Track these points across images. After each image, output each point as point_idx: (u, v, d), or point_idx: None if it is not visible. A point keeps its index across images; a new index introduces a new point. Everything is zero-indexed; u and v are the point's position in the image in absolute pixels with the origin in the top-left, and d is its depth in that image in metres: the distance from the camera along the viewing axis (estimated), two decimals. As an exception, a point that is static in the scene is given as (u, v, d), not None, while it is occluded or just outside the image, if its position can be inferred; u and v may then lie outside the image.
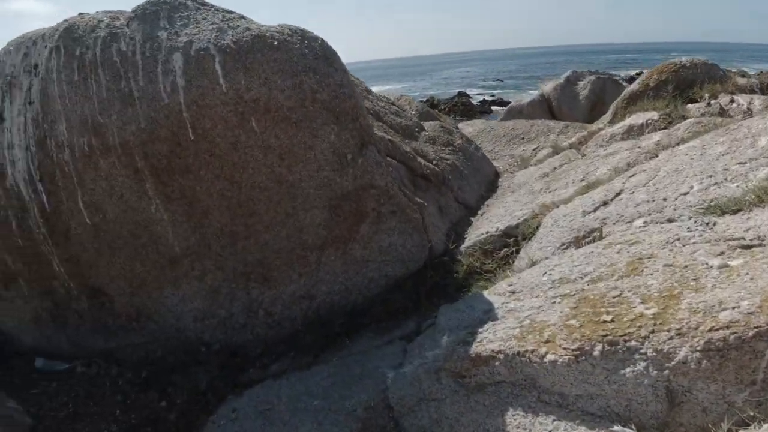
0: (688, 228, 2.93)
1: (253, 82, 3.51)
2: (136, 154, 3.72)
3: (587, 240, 3.47)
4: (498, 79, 70.94)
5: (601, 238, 3.39)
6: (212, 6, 3.99)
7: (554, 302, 2.93)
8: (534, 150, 6.54)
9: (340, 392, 3.58)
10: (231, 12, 3.99)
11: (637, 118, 5.12)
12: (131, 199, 3.89)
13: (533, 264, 3.75)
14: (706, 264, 2.61)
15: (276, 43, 3.58)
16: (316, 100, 3.56)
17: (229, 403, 4.03)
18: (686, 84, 5.49)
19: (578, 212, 3.78)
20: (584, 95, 9.38)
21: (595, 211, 3.70)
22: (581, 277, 3.00)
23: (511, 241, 4.12)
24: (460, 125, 10.95)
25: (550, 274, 3.17)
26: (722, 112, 4.83)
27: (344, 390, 3.57)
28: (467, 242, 4.27)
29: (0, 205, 4.30)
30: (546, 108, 9.55)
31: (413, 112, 5.80)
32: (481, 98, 47.17)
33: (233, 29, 3.67)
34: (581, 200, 3.95)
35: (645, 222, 3.27)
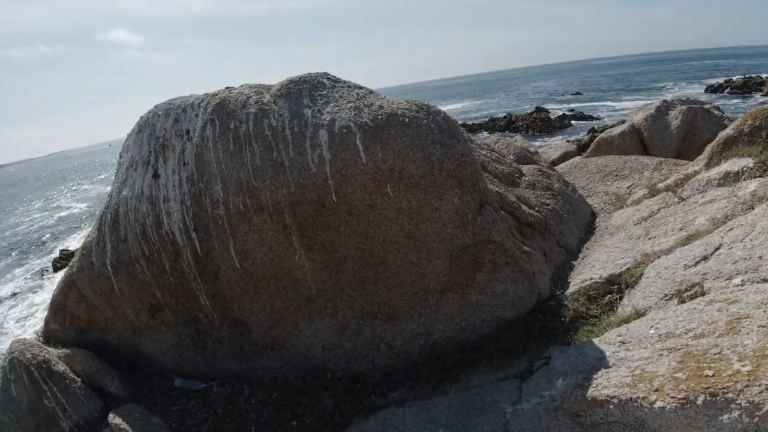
0: (786, 291, 3.58)
1: (389, 155, 4.38)
2: (285, 212, 4.67)
3: (689, 294, 4.14)
4: (577, 93, 70.24)
5: (702, 293, 4.06)
6: (345, 83, 4.90)
7: (661, 355, 3.65)
8: (628, 188, 7.12)
9: (463, 422, 4.41)
10: (360, 88, 4.88)
11: (732, 165, 5.65)
12: (278, 249, 4.85)
13: (638, 313, 4.46)
14: None
15: (407, 120, 4.44)
16: (443, 169, 4.40)
17: (356, 426, 4.94)
18: None
19: (680, 265, 4.44)
20: (675, 126, 9.74)
21: (695, 265, 4.36)
22: (685, 333, 3.71)
23: (614, 288, 4.82)
24: (541, 150, 11.52)
25: (657, 328, 3.88)
26: None
27: (467, 420, 4.40)
28: (572, 287, 5.00)
29: (155, 248, 5.37)
30: (637, 139, 9.94)
31: (512, 157, 6.52)
32: (559, 113, 47.13)
33: (368, 107, 4.56)
34: (682, 252, 4.60)
35: (742, 281, 3.93)
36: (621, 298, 4.75)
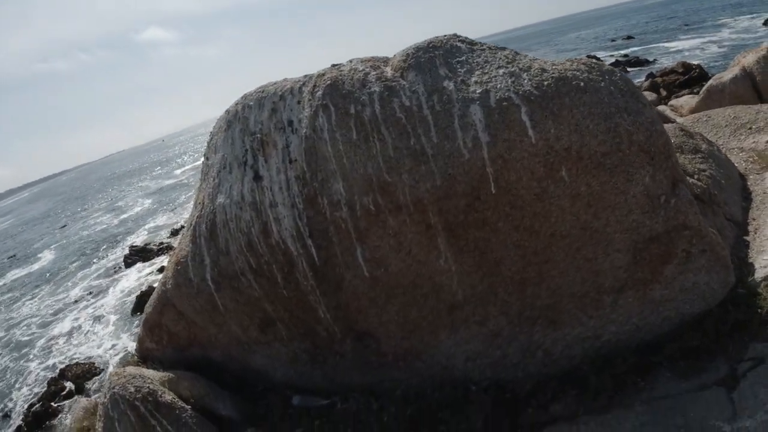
0: None
1: (564, 130, 3.36)
2: (429, 210, 3.69)
3: None
4: (628, 37, 66.36)
5: None
6: (484, 45, 3.85)
7: None
8: (767, 143, 6.02)
9: (670, 447, 3.48)
10: (503, 49, 3.82)
11: None
12: (419, 254, 3.89)
13: None
14: None
15: (582, 84, 3.40)
16: (633, 143, 3.37)
17: (520, 449, 4.04)
18: None
19: None
20: None
21: None
22: None
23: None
24: (662, 108, 10.19)
25: None
26: None
27: (676, 444, 3.47)
28: (759, 271, 4.00)
29: (264, 260, 4.43)
30: (749, 84, 8.74)
31: None
32: (612, 60, 44.37)
33: (527, 72, 3.51)
34: None
35: None
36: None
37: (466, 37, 3.98)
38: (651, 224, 3.56)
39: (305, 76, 4.37)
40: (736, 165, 5.64)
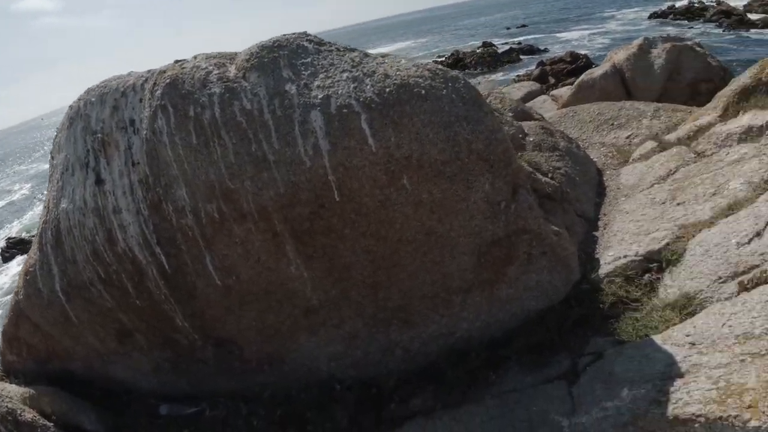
0: None
1: (404, 139, 3.26)
2: (274, 218, 3.51)
3: (749, 278, 3.35)
4: (522, 25, 67.71)
5: (766, 279, 3.27)
6: (333, 46, 3.65)
7: (744, 361, 2.88)
8: (627, 138, 6.26)
9: (510, 440, 3.56)
10: (353, 50, 3.66)
11: (754, 118, 4.84)
12: (269, 261, 3.72)
13: (687, 297, 3.65)
14: None
15: (423, 92, 3.29)
16: (472, 151, 3.33)
17: (380, 442, 4.02)
18: None
19: (731, 243, 3.64)
20: (659, 65, 8.87)
21: (749, 243, 3.57)
22: (766, 333, 2.92)
23: (653, 267, 3.99)
24: (504, 90, 10.41)
25: (731, 326, 3.08)
26: None
27: (516, 437, 3.55)
28: (604, 266, 4.14)
29: (112, 269, 4.10)
30: (619, 80, 9.05)
31: (510, 115, 5.47)
32: (507, 47, 45.10)
33: (370, 77, 3.37)
34: (728, 226, 3.80)
35: (818, 262, 3.16)
36: (661, 278, 3.94)
37: (315, 36, 3.77)
38: (493, 229, 3.58)
39: (148, 71, 4.00)
40: (595, 160, 5.86)
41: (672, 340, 3.29)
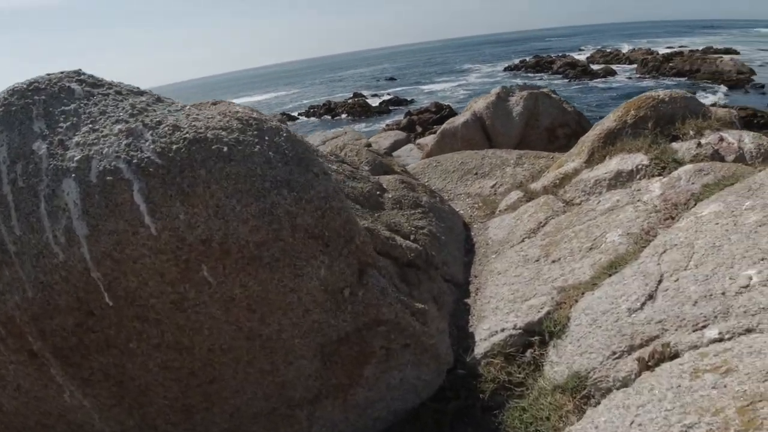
0: (789, 349, 2.27)
1: (199, 215, 2.25)
2: (27, 333, 2.32)
3: (650, 353, 2.71)
4: (391, 78, 70.13)
5: (670, 354, 2.64)
6: (113, 88, 2.58)
7: (671, 478, 2.14)
8: (492, 187, 5.74)
9: None
10: (140, 93, 2.61)
11: (623, 162, 4.46)
12: (33, 389, 2.49)
13: (578, 377, 2.94)
14: None
15: (226, 149, 2.32)
16: (297, 227, 2.38)
17: None
18: (666, 120, 4.92)
19: (621, 309, 3.00)
20: (518, 112, 8.70)
21: (641, 308, 2.95)
22: (687, 431, 2.23)
23: (535, 340, 3.27)
24: (372, 140, 9.83)
25: (640, 425, 2.35)
26: (714, 154, 4.33)
27: None
28: (481, 344, 3.36)
29: None
30: (479, 127, 8.75)
31: (366, 169, 4.67)
32: (377, 99, 46.18)
33: (153, 130, 2.34)
34: (613, 288, 3.18)
35: (720, 333, 2.57)
36: (545, 354, 3.23)
37: (91, 76, 2.69)
38: (337, 324, 2.64)
39: None
40: (461, 213, 5.25)
41: (570, 448, 2.52)
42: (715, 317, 2.72)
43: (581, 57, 57.49)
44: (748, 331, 2.58)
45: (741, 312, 2.67)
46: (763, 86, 32.58)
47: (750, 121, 21.12)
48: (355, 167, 4.42)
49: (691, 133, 4.53)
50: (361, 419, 3.03)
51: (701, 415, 2.28)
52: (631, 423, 2.42)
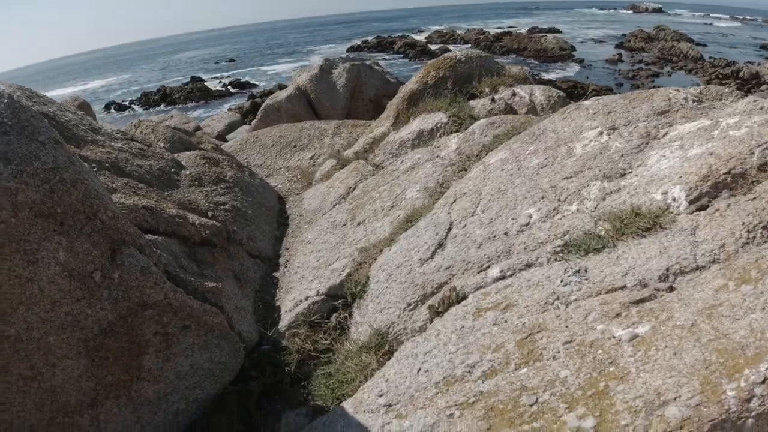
0: (562, 280, 2.46)
1: None
2: None
3: (439, 299, 2.80)
4: (231, 59, 66.10)
5: (458, 297, 2.74)
6: None
7: (452, 416, 2.20)
8: (311, 159, 5.58)
9: None
10: None
11: (424, 122, 4.56)
12: None
13: (379, 334, 2.96)
14: (613, 337, 2.16)
15: None
16: (19, 206, 2.00)
17: None
18: (464, 79, 5.12)
19: (413, 260, 3.06)
20: (341, 84, 8.56)
21: (432, 257, 3.03)
22: (469, 372, 2.31)
23: (339, 304, 3.23)
24: (204, 124, 9.21)
25: (427, 371, 2.41)
26: (508, 108, 4.61)
27: None
28: (285, 317, 3.23)
29: None
30: (305, 102, 8.46)
31: (162, 145, 4.20)
32: (217, 81, 43.15)
33: None
34: (408, 241, 3.24)
35: (502, 271, 2.72)
36: (351, 315, 3.20)
37: None
38: (95, 313, 2.32)
39: None
40: (279, 187, 5.09)
41: (364, 405, 2.49)
42: (498, 257, 2.88)
43: (420, 37, 60.11)
44: (528, 266, 2.76)
45: (521, 249, 2.86)
46: (582, 60, 36.85)
47: (571, 92, 23.84)
48: (147, 144, 3.97)
49: (487, 90, 4.82)
50: (157, 416, 2.74)
51: (483, 353, 2.38)
52: (419, 371, 2.46)
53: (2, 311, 2.13)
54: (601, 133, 3.42)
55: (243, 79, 43.81)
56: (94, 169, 3.18)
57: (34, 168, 2.06)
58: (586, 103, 3.72)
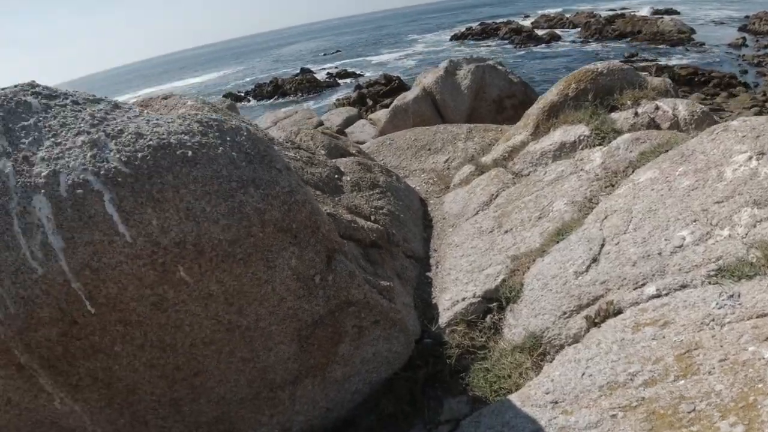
0: (717, 303, 2.59)
1: (171, 220, 2.36)
2: (14, 348, 2.39)
3: (596, 311, 3.02)
4: (337, 51, 68.52)
5: (614, 311, 2.95)
6: (69, 98, 2.62)
7: (615, 416, 2.45)
8: (446, 162, 5.95)
9: None
10: (97, 101, 2.66)
11: (566, 134, 4.73)
12: (23, 401, 2.58)
13: (534, 336, 3.24)
14: (763, 358, 2.30)
15: (191, 153, 2.42)
16: (266, 222, 2.52)
17: None
18: (605, 91, 5.19)
19: (568, 272, 3.30)
20: (466, 85, 8.87)
21: (587, 271, 3.25)
22: (631, 379, 2.53)
23: (494, 306, 3.55)
24: (324, 118, 9.80)
25: (591, 375, 2.66)
26: (650, 122, 4.65)
27: None
28: (444, 313, 3.61)
29: None
30: (430, 102, 8.88)
31: (323, 152, 4.77)
32: (325, 73, 45.00)
33: (116, 139, 2.41)
34: (561, 254, 3.47)
35: (657, 290, 2.89)
36: (503, 318, 3.51)
37: (45, 87, 2.70)
38: (311, 308, 2.82)
39: None
40: (417, 189, 5.48)
41: (531, 400, 2.80)
42: (653, 275, 3.04)
43: (526, 23, 57.99)
44: (683, 286, 2.91)
45: (676, 270, 3.00)
46: (703, 44, 33.74)
47: (691, 79, 22.09)
48: (312, 152, 4.53)
49: (629, 103, 4.84)
50: (339, 393, 3.25)
51: (643, 364, 2.60)
52: (582, 374, 2.72)
53: (240, 306, 2.69)
54: (750, 158, 3.40)
55: (349, 70, 45.05)
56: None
57: (276, 191, 2.57)
58: (734, 124, 3.68)
